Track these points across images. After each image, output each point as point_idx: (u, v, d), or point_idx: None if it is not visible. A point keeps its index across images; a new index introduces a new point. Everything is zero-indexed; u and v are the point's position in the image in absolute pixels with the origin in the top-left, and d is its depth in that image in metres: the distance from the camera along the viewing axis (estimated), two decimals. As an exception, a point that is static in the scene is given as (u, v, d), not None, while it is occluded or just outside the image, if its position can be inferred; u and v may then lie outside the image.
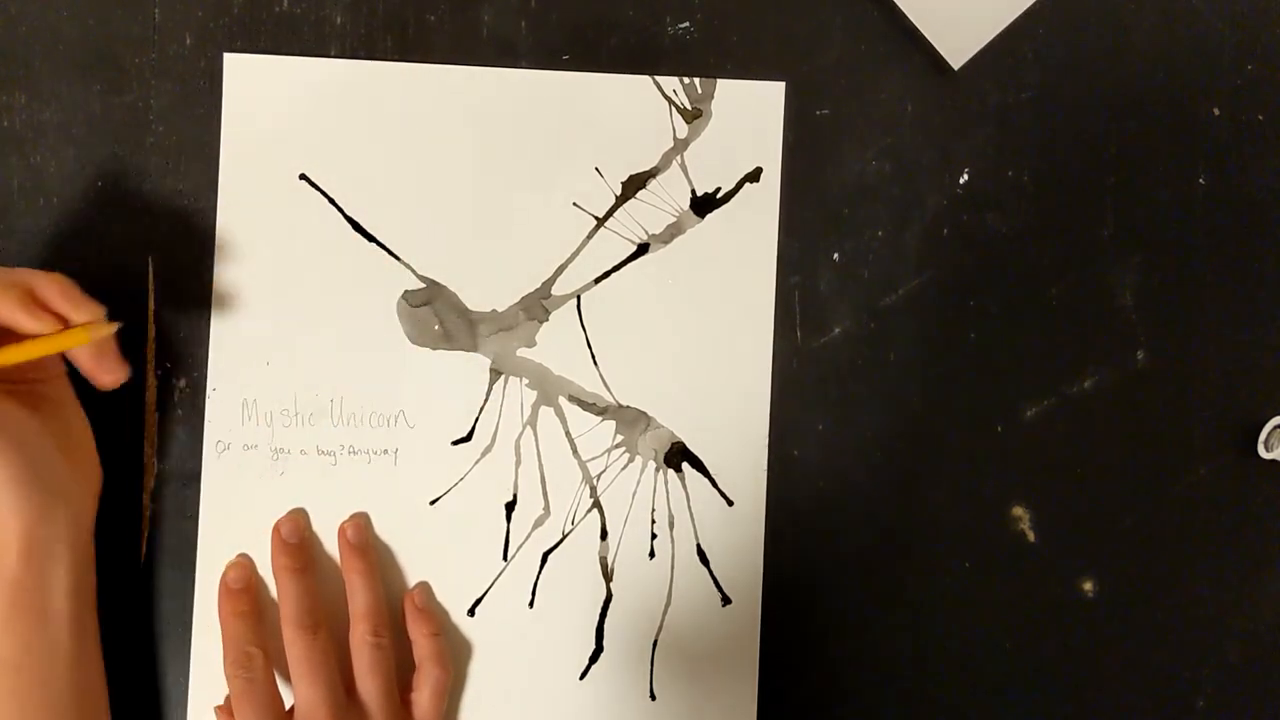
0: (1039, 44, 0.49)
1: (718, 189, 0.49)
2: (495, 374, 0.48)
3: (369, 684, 0.45)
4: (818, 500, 0.49)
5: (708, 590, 0.49)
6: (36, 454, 0.41)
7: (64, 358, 0.44)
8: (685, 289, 0.49)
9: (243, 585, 0.46)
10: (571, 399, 0.48)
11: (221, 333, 0.47)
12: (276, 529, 0.47)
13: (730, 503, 0.49)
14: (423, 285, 0.48)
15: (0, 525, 0.40)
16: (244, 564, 0.47)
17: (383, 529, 0.48)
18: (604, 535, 0.49)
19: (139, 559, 0.47)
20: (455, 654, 0.48)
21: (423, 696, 0.46)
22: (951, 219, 0.49)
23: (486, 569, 0.48)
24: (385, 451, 0.48)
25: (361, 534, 0.47)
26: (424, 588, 0.48)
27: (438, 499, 0.48)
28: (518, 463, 0.48)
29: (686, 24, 0.49)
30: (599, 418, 0.48)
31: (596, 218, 0.49)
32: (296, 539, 0.47)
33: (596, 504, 0.49)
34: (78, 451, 0.44)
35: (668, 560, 0.49)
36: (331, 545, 0.48)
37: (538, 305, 0.48)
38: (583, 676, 0.48)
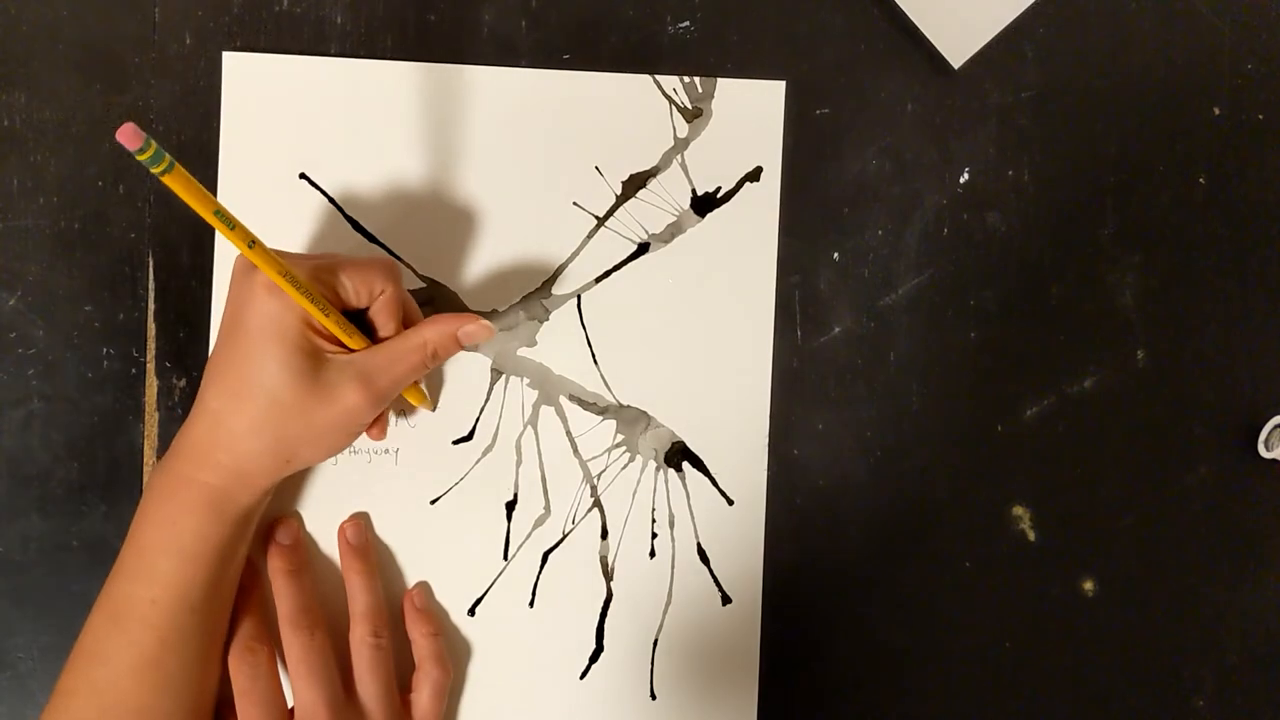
0: (1039, 44, 0.50)
1: (718, 188, 0.49)
2: (496, 374, 0.48)
3: (368, 684, 0.45)
4: (818, 500, 0.49)
5: (708, 590, 0.49)
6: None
7: None
8: (685, 289, 0.49)
9: (251, 582, 0.46)
10: (572, 398, 0.48)
11: (221, 332, 0.47)
12: (271, 532, 0.47)
13: (730, 502, 0.49)
14: (423, 285, 0.48)
15: (300, 456, 0.42)
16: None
17: (383, 529, 0.48)
18: (604, 535, 0.48)
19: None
20: (455, 654, 0.48)
21: (422, 696, 0.46)
22: (951, 218, 0.49)
23: (487, 569, 0.48)
24: (385, 451, 0.48)
25: (361, 534, 0.47)
26: (423, 588, 0.48)
27: (438, 498, 0.48)
28: (518, 462, 0.48)
29: (686, 23, 0.49)
30: (599, 417, 0.48)
31: (597, 217, 0.49)
32: (290, 541, 0.47)
33: (597, 503, 0.48)
34: None
35: (668, 560, 0.49)
36: (332, 545, 0.48)
37: (538, 305, 0.48)
38: (583, 676, 0.48)
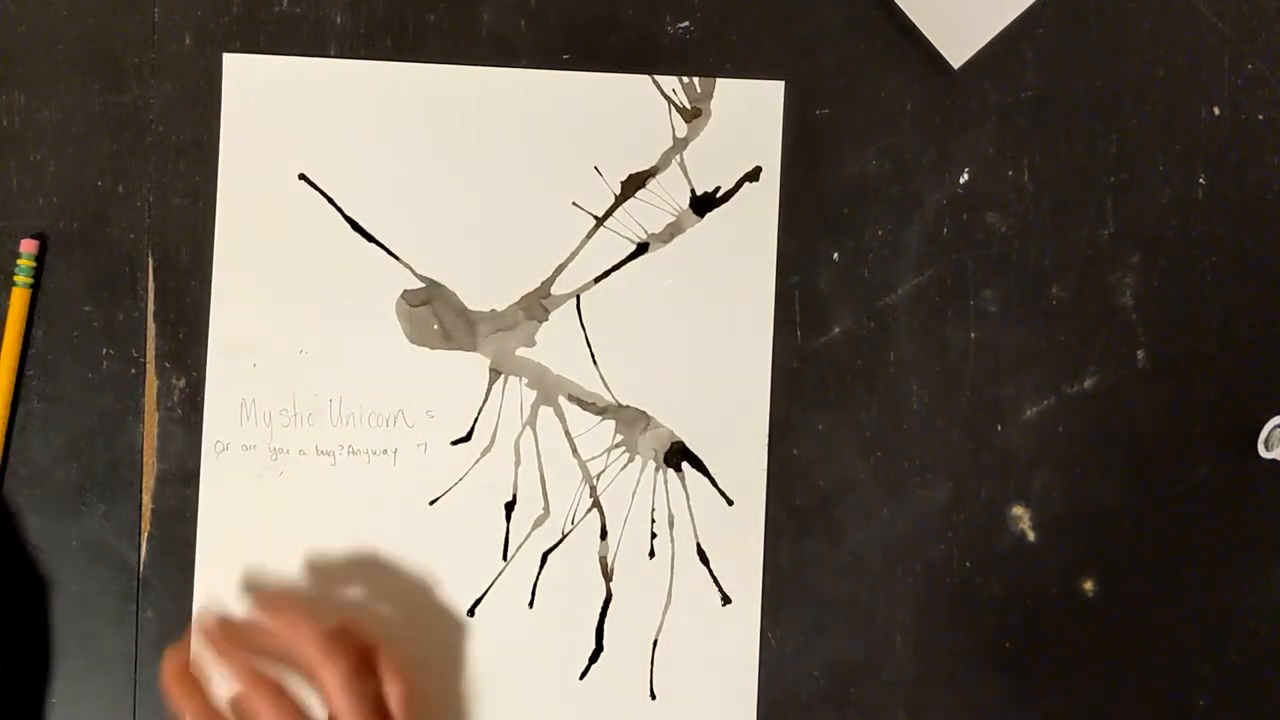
0: (1039, 44, 0.49)
1: (717, 188, 0.49)
2: (495, 374, 0.48)
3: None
4: (818, 500, 0.49)
5: (708, 590, 0.49)
6: None
7: None
8: (685, 289, 0.49)
9: (180, 669, 0.45)
10: (571, 399, 0.48)
11: (220, 332, 0.47)
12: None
13: (730, 503, 0.49)
14: (422, 285, 0.48)
15: None
16: (175, 655, 0.46)
17: (382, 529, 0.48)
18: (604, 535, 0.49)
19: (139, 559, 0.47)
20: (455, 654, 0.48)
21: (398, 712, 0.44)
22: (951, 218, 0.49)
23: (486, 569, 0.48)
24: (384, 451, 0.48)
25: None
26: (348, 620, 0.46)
27: (437, 499, 0.48)
28: (517, 462, 0.48)
29: (686, 23, 0.49)
30: (599, 417, 0.48)
31: (596, 217, 0.49)
32: (217, 629, 0.45)
33: (596, 504, 0.48)
34: None
35: (668, 560, 0.49)
36: (333, 544, 0.48)
37: (537, 305, 0.48)
38: (583, 676, 0.48)
